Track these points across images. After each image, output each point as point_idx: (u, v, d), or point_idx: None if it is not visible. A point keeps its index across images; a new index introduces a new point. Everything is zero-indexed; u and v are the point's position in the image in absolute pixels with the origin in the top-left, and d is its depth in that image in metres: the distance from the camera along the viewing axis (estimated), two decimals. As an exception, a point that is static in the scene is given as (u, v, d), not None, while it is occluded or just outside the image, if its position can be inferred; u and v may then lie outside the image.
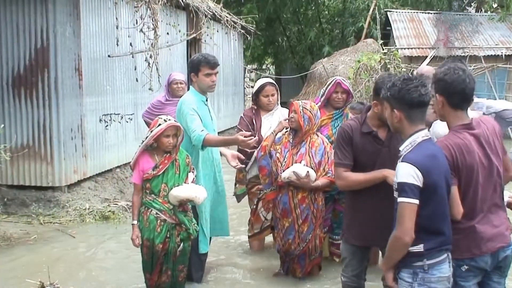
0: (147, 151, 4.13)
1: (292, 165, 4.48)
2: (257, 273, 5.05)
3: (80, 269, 5.26)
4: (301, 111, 4.51)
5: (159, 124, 4.03)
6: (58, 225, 6.56)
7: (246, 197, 5.57)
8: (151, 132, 4.05)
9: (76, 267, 5.31)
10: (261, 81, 5.48)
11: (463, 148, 2.78)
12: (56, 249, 5.81)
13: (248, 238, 5.55)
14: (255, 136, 5.04)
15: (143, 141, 4.10)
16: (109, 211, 6.94)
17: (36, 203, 6.98)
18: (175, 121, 4.14)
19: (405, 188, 2.62)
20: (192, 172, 4.26)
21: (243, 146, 4.46)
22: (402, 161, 2.68)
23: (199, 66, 4.57)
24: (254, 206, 5.29)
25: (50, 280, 4.46)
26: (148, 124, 6.22)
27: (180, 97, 5.86)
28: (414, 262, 2.71)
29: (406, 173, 2.63)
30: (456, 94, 2.82)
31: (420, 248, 2.68)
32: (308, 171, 4.38)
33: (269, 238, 5.44)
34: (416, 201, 2.61)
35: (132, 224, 4.12)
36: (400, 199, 2.65)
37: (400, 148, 2.79)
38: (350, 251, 3.72)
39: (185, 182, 4.15)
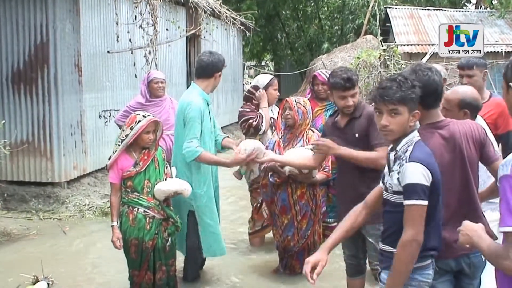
0: (124, 148, 4.02)
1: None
2: (256, 270, 5.06)
3: (77, 264, 5.28)
4: (295, 106, 4.51)
5: (139, 121, 3.94)
6: (58, 220, 6.57)
7: (249, 197, 5.58)
8: (131, 129, 3.94)
9: (74, 262, 5.32)
10: (267, 76, 5.57)
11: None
12: (55, 244, 5.82)
13: (249, 235, 5.58)
14: (260, 122, 5.12)
15: (121, 140, 3.99)
16: (109, 207, 6.90)
17: (35, 198, 6.99)
18: (153, 116, 4.07)
19: (417, 190, 2.43)
20: (168, 167, 4.22)
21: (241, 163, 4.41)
22: (410, 161, 2.47)
23: (223, 67, 4.49)
24: (258, 204, 5.30)
25: (44, 274, 4.48)
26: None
27: (160, 97, 5.77)
28: None
29: (418, 173, 2.43)
30: (429, 96, 2.69)
31: None
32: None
33: (269, 236, 5.45)
34: (426, 202, 2.44)
35: (112, 226, 4.01)
36: (411, 202, 2.44)
37: (397, 148, 2.60)
38: None
39: (168, 177, 4.14)
